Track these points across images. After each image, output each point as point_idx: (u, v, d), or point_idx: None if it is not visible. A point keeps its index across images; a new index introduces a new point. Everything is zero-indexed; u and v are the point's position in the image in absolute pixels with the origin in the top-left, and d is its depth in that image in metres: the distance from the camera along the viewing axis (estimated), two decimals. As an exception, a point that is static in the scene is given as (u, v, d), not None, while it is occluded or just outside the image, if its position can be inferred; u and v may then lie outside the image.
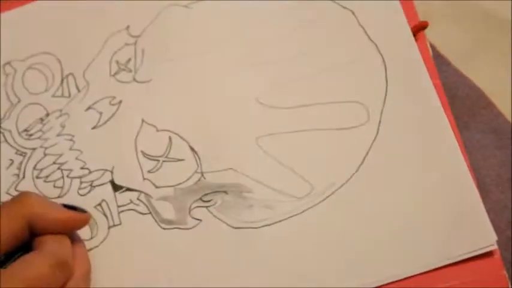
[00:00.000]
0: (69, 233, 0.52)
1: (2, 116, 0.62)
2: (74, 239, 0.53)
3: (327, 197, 0.55)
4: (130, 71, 0.62)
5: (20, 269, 0.47)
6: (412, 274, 0.51)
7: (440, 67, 0.63)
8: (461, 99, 0.60)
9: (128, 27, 0.64)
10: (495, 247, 0.51)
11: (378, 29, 0.60)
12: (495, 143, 0.56)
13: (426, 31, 0.58)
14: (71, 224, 0.52)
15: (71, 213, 0.52)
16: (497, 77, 0.64)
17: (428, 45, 0.59)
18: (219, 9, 0.63)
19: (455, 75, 0.58)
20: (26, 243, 0.50)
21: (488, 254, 0.51)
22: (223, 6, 0.63)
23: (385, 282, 0.52)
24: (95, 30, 0.64)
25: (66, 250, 0.50)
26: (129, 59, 0.62)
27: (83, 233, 0.56)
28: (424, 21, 0.59)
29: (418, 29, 0.59)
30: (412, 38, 0.59)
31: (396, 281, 0.52)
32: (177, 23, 0.63)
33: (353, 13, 0.61)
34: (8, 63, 0.64)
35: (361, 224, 0.53)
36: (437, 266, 0.51)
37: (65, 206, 0.52)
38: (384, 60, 0.59)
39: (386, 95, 0.57)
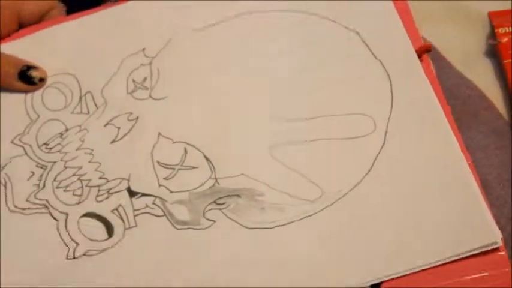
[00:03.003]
0: None
1: (22, 131, 0.68)
2: None
3: (337, 200, 0.59)
4: (146, 88, 0.68)
5: None
6: (418, 269, 0.55)
7: (443, 69, 0.68)
8: (463, 101, 0.64)
9: (143, 49, 0.70)
10: (499, 244, 0.55)
11: (382, 47, 0.66)
12: (496, 143, 0.60)
13: (429, 33, 0.64)
14: None
15: None
16: (498, 79, 0.70)
17: (432, 66, 0.65)
18: (230, 31, 0.70)
19: (457, 77, 0.63)
20: None
21: (495, 250, 0.55)
22: (234, 28, 0.70)
23: (391, 277, 0.56)
24: (112, 51, 0.71)
25: None
26: (145, 78, 0.69)
27: (100, 234, 0.61)
28: (427, 43, 0.65)
29: (422, 52, 0.65)
30: (415, 53, 0.65)
31: (402, 276, 0.56)
32: (190, 45, 0.70)
33: (357, 33, 0.67)
34: None
35: (367, 225, 0.58)
36: (441, 263, 0.55)
37: None
38: (389, 76, 0.65)
39: (392, 107, 0.63)
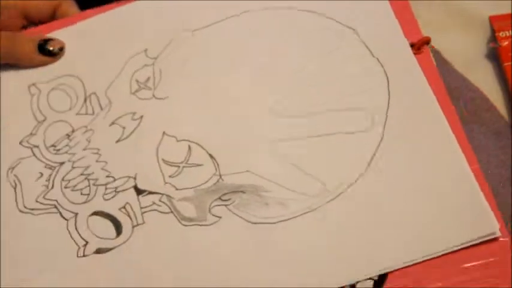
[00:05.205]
0: None
1: (29, 132, 0.71)
2: None
3: (338, 195, 0.63)
4: (149, 88, 0.71)
5: None
6: (418, 261, 0.59)
7: (446, 72, 0.71)
8: (465, 103, 0.67)
9: (145, 50, 0.74)
10: (497, 234, 0.59)
11: (379, 44, 0.69)
12: (496, 143, 0.63)
13: (433, 38, 0.67)
14: None
15: None
16: (498, 81, 0.73)
17: (432, 57, 0.68)
18: (230, 30, 0.73)
19: (459, 79, 0.65)
20: None
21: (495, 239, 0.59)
22: (231, 30, 0.74)
23: (393, 269, 0.59)
24: (115, 53, 0.74)
25: None
26: (148, 78, 0.72)
27: (109, 232, 0.65)
28: (426, 36, 0.69)
29: (422, 43, 0.69)
30: (410, 50, 0.68)
31: (403, 268, 0.59)
32: (190, 46, 0.73)
33: (354, 31, 0.71)
34: (33, 84, 0.74)
35: (369, 218, 0.61)
36: (441, 253, 0.59)
37: None
38: (386, 73, 0.68)
39: (389, 103, 0.66)
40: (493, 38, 0.75)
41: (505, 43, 0.74)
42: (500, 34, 0.75)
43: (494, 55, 0.75)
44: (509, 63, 0.72)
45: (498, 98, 0.72)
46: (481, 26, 0.77)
